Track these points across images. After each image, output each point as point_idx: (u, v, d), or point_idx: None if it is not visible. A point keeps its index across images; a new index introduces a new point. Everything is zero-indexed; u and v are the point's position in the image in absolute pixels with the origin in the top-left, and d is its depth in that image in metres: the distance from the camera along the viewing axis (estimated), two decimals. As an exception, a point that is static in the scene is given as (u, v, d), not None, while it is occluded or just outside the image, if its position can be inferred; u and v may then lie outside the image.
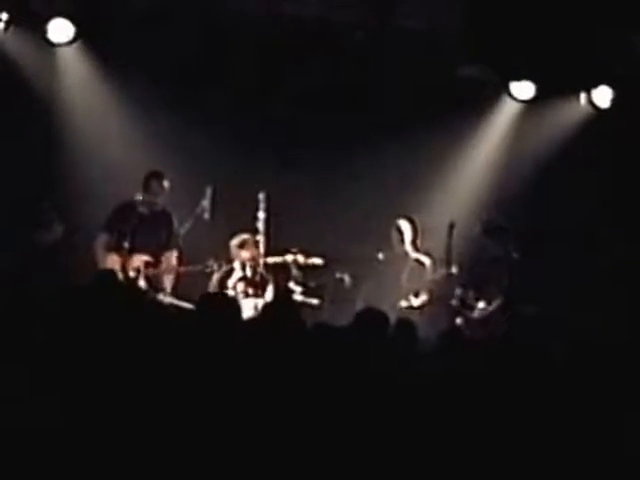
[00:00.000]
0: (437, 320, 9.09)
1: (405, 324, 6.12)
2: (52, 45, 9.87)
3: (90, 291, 5.71)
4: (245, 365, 5.17)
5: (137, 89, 10.03)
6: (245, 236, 9.56)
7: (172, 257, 9.45)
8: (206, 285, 9.35)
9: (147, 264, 9.27)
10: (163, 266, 9.36)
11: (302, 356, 5.60)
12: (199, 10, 9.99)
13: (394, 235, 9.88)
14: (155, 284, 9.26)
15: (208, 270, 9.28)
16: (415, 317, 8.54)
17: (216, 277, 9.58)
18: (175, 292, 9.28)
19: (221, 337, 5.35)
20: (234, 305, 5.81)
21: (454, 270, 9.43)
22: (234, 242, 9.58)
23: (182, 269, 9.41)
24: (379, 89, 10.40)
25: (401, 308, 9.32)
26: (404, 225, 9.87)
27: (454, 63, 10.28)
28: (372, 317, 5.95)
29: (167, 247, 9.46)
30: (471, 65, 10.22)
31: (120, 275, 8.84)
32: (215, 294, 7.81)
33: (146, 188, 9.39)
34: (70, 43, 9.85)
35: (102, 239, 9.36)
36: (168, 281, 9.36)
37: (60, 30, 9.74)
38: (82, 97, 10.20)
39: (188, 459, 4.60)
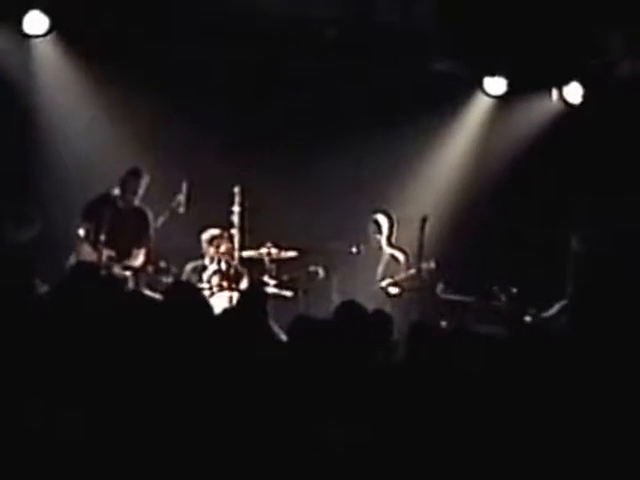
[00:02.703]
0: (408, 311, 9.13)
1: (380, 315, 6.17)
2: (27, 37, 9.81)
3: (69, 284, 5.70)
4: (219, 357, 5.18)
5: (113, 82, 9.96)
6: (215, 231, 9.58)
7: (139, 256, 9.40)
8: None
9: (111, 259, 9.18)
10: (128, 264, 9.29)
11: (280, 350, 5.64)
12: (175, 4, 9.96)
13: (371, 227, 9.93)
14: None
15: (164, 274, 9.26)
16: (387, 307, 8.65)
17: (189, 269, 9.61)
18: (139, 288, 9.11)
19: (190, 327, 5.35)
20: (200, 294, 5.88)
21: (432, 265, 9.47)
22: (204, 237, 9.63)
23: (148, 269, 9.33)
24: (352, 85, 10.41)
25: (376, 297, 9.37)
26: (381, 219, 9.91)
27: (428, 59, 10.31)
28: (351, 310, 5.96)
29: (137, 245, 9.40)
30: (445, 61, 10.23)
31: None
32: (182, 283, 7.82)
33: (123, 185, 9.32)
34: (45, 35, 9.80)
35: (80, 230, 9.32)
36: (131, 278, 9.28)
37: (35, 22, 9.69)
38: (57, 89, 10.11)
39: (164, 453, 4.59)
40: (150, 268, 9.31)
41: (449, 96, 10.53)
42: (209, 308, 5.75)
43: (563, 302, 9.40)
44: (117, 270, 9.17)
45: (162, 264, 9.31)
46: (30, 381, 4.70)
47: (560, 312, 9.37)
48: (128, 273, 9.25)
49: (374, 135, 10.43)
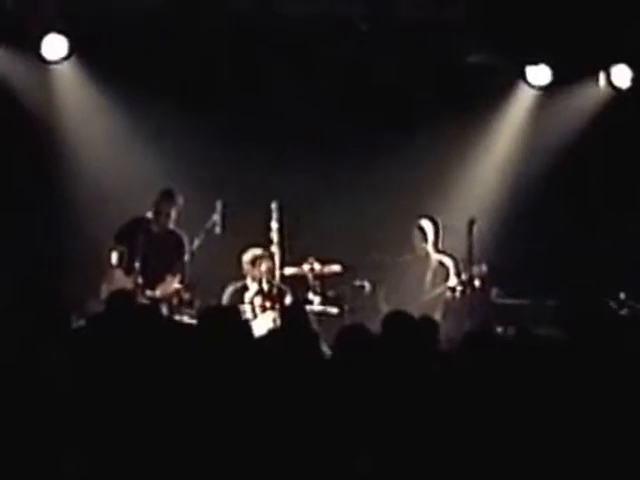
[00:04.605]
0: (462, 319, 8.86)
1: (427, 322, 5.85)
2: (46, 62, 9.71)
3: (107, 315, 5.53)
4: (263, 378, 5.04)
5: (138, 104, 9.80)
6: (257, 251, 9.36)
7: (173, 282, 9.10)
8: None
9: (140, 287, 8.88)
10: (159, 291, 9.03)
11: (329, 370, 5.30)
12: (196, 15, 9.69)
13: (416, 234, 9.64)
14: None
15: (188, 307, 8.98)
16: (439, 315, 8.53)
17: (229, 291, 9.34)
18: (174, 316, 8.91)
19: (229, 350, 5.14)
20: (238, 316, 5.72)
21: (484, 269, 9.13)
22: (245, 258, 9.42)
23: (173, 300, 9.02)
24: (388, 86, 10.15)
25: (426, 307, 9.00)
26: (426, 224, 9.64)
27: (464, 52, 10.03)
28: (399, 320, 5.65)
29: (171, 271, 9.13)
30: (482, 53, 9.94)
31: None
32: (217, 307, 7.51)
33: (156, 208, 9.11)
34: (64, 59, 9.71)
35: (113, 255, 9.03)
36: (164, 306, 8.96)
37: (54, 46, 9.60)
38: (80, 114, 10.01)
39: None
40: (175, 300, 9.04)
41: (490, 91, 10.26)
42: (249, 330, 5.60)
43: None
44: (144, 299, 8.88)
45: (186, 296, 9.06)
46: (70, 419, 4.64)
47: None
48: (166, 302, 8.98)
49: (415, 138, 10.14)
